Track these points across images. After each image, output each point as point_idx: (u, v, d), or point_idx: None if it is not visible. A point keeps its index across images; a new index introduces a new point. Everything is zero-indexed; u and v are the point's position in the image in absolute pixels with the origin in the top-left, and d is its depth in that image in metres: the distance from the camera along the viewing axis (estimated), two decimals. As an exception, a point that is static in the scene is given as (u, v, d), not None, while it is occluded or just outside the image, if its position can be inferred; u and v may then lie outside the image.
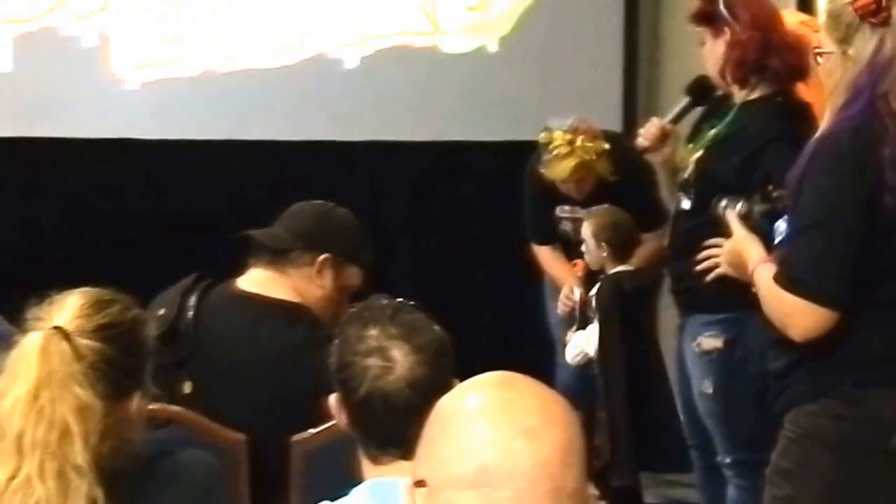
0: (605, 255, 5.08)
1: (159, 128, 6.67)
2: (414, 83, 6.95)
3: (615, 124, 6.60)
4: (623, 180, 5.18)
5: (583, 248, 5.16)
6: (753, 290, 3.19)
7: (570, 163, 5.07)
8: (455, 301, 5.93)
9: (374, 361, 2.28)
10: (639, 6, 7.12)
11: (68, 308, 2.36)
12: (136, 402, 2.42)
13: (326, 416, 2.93)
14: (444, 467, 1.62)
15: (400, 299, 2.41)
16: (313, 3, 6.90)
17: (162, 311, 3.39)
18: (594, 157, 5.07)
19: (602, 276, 5.11)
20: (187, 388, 3.32)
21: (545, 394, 1.67)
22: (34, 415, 2.25)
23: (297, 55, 6.93)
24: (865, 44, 3.06)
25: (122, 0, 6.90)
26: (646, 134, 4.45)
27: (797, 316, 3.00)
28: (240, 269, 3.51)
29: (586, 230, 5.14)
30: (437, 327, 2.36)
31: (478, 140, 6.90)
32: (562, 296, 5.33)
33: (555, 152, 5.09)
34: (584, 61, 6.90)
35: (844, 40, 3.09)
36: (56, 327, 2.31)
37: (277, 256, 3.44)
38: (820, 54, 3.20)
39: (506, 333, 6.60)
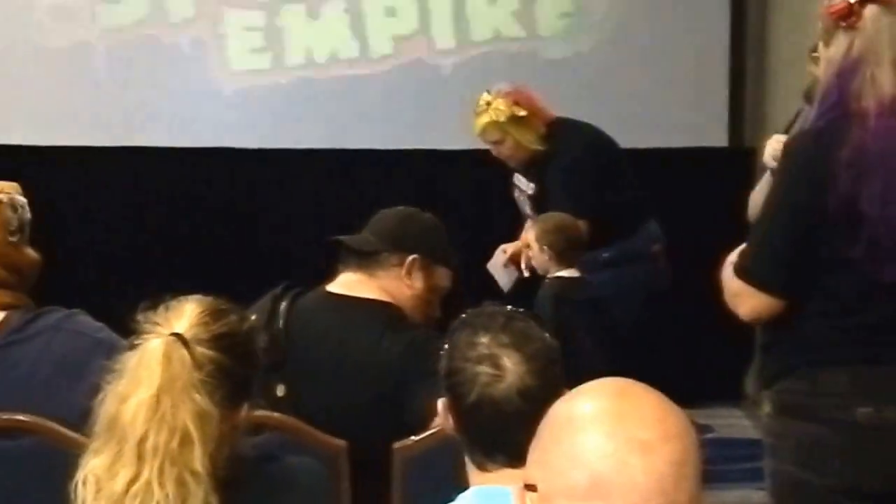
0: (547, 258, 5.16)
1: (254, 135, 6.70)
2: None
3: (720, 133, 6.54)
4: (550, 156, 5.48)
5: (529, 252, 5.27)
6: None
7: (481, 120, 5.45)
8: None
9: (484, 369, 2.26)
10: (746, 12, 7.04)
11: (186, 315, 2.36)
12: (244, 412, 2.42)
13: (426, 420, 2.92)
14: (556, 476, 1.60)
15: (511, 307, 2.39)
16: (409, 10, 6.89)
17: (253, 317, 3.39)
18: (504, 120, 5.40)
19: (546, 279, 5.20)
20: (280, 391, 3.32)
21: (661, 405, 1.64)
22: (156, 420, 2.25)
23: (392, 62, 6.94)
24: (838, 47, 3.20)
25: (218, 8, 6.97)
26: (773, 153, 4.32)
27: (741, 298, 3.21)
28: (329, 276, 3.51)
29: (530, 235, 5.28)
30: (547, 336, 2.34)
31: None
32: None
33: (476, 110, 5.48)
34: (687, 67, 6.82)
35: (826, 44, 3.26)
36: (176, 334, 2.31)
37: (365, 259, 3.44)
38: (816, 59, 3.41)
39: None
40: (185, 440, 2.25)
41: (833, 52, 3.20)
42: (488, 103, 5.45)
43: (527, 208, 5.65)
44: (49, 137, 6.87)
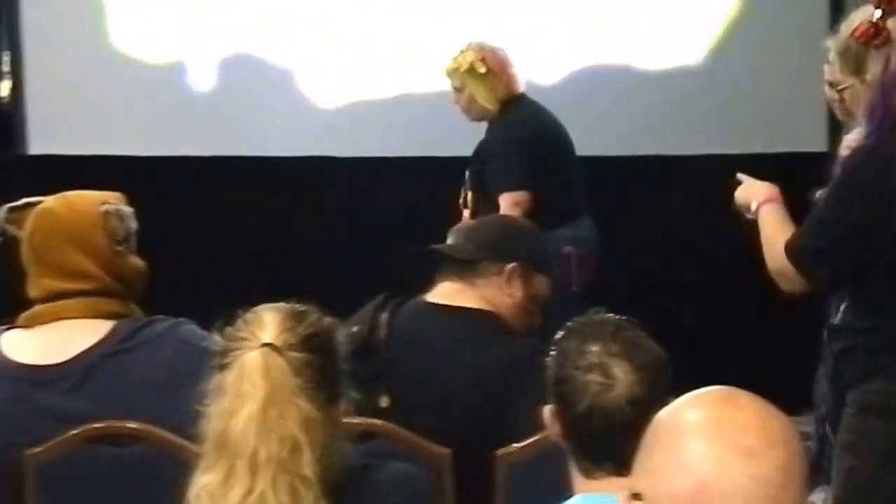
0: None
1: (354, 148, 6.74)
2: (612, 101, 6.88)
3: (820, 143, 6.45)
4: (498, 120, 5.74)
5: None
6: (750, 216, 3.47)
7: (450, 64, 5.79)
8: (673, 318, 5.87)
9: (594, 377, 2.27)
10: (846, 14, 6.95)
11: (270, 324, 2.36)
12: (342, 408, 2.43)
13: (530, 428, 2.92)
14: (662, 482, 1.59)
15: (619, 316, 2.39)
16: (507, 22, 6.87)
17: (355, 328, 3.42)
18: (464, 70, 5.71)
19: None
20: (384, 402, 3.33)
21: (765, 411, 1.63)
22: (265, 432, 2.27)
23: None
24: (876, 66, 3.25)
25: (317, 22, 6.97)
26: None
27: (785, 278, 3.30)
28: (427, 286, 3.52)
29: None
30: (655, 345, 2.34)
31: (680, 154, 6.81)
32: None
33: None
34: (789, 78, 6.75)
35: (859, 70, 3.40)
36: (268, 344, 2.33)
37: (465, 268, 3.44)
38: (842, 91, 3.51)
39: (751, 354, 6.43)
40: (295, 448, 2.27)
41: (872, 72, 3.27)
42: (462, 52, 5.78)
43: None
44: (147, 147, 6.94)
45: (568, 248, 5.59)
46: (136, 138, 6.98)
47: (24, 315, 3.06)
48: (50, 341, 3.01)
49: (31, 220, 3.09)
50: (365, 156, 6.82)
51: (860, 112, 3.38)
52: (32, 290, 3.08)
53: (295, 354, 2.33)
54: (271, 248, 6.89)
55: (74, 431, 2.93)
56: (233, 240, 6.90)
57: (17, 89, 7.14)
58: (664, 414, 1.66)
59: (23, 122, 7.12)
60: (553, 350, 2.36)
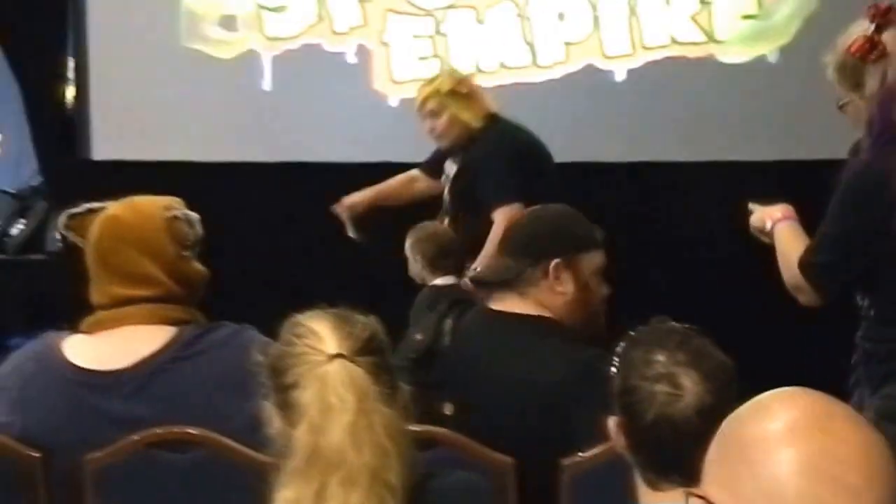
0: (420, 267, 5.38)
1: (419, 147, 6.68)
2: (687, 96, 6.75)
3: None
4: (480, 139, 5.63)
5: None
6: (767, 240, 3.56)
7: (424, 89, 5.74)
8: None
9: (662, 388, 2.23)
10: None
11: (327, 334, 2.35)
12: (403, 403, 2.41)
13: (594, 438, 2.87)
14: (742, 502, 1.48)
15: (683, 324, 2.35)
16: (580, 14, 6.80)
17: (419, 336, 3.40)
18: (445, 92, 5.64)
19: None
20: (448, 409, 3.30)
21: (866, 437, 1.50)
22: (359, 443, 2.26)
23: (563, 69, 6.83)
24: (873, 80, 3.33)
25: (382, 16, 6.92)
26: None
27: (801, 291, 3.41)
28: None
29: (406, 244, 5.47)
30: (721, 353, 2.30)
31: (753, 160, 6.64)
32: None
33: (422, 83, 5.84)
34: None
35: (857, 86, 3.39)
36: (339, 355, 2.31)
37: (512, 283, 3.39)
38: (843, 106, 3.52)
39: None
40: (384, 455, 2.26)
41: (870, 86, 3.32)
42: (437, 75, 5.84)
43: (445, 193, 5.77)
44: (212, 152, 6.97)
45: None
46: (200, 143, 7.01)
47: (88, 320, 3.06)
48: (113, 347, 3.01)
49: (97, 225, 3.09)
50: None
51: (860, 126, 3.43)
52: (97, 296, 3.08)
53: (363, 359, 2.33)
54: (336, 251, 6.86)
55: (134, 437, 2.92)
56: (298, 244, 6.89)
57: (81, 94, 7.19)
58: (745, 418, 1.54)
59: (87, 127, 7.16)
60: (616, 359, 2.32)
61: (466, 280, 4.81)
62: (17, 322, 7.01)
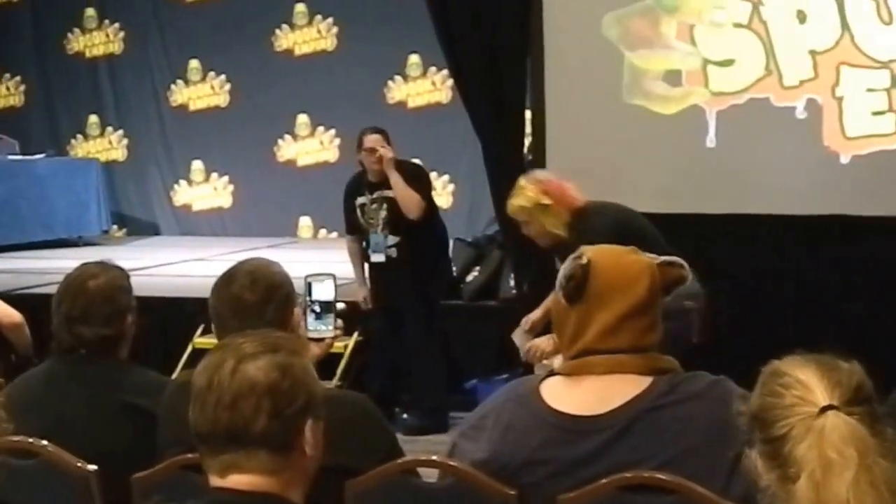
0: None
1: (873, 204, 6.57)
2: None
3: None
4: (574, 241, 5.43)
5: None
6: None
7: (513, 201, 6.12)
8: None
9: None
10: None
11: (815, 384, 2.30)
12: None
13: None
14: None
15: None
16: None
17: None
18: (530, 206, 6.01)
19: None
20: None
21: None
22: (861, 500, 2.21)
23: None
24: None
25: (835, 68, 6.81)
26: None
27: None
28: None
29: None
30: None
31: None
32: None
33: (512, 191, 6.15)
34: None
35: None
36: (830, 406, 2.28)
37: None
38: None
39: None
40: None
41: None
42: (522, 188, 6.08)
43: None
44: (658, 204, 7.06)
45: (689, 303, 5.57)
46: (654, 195, 7.09)
47: (574, 363, 3.19)
48: (592, 392, 3.11)
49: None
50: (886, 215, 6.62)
51: None
52: (587, 337, 3.19)
53: (856, 409, 2.29)
54: (778, 308, 6.83)
55: (604, 480, 3.00)
56: (739, 298, 6.88)
57: (538, 147, 7.43)
58: None
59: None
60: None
61: None
62: (474, 366, 7.30)
